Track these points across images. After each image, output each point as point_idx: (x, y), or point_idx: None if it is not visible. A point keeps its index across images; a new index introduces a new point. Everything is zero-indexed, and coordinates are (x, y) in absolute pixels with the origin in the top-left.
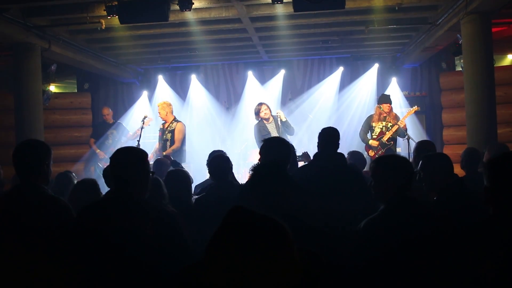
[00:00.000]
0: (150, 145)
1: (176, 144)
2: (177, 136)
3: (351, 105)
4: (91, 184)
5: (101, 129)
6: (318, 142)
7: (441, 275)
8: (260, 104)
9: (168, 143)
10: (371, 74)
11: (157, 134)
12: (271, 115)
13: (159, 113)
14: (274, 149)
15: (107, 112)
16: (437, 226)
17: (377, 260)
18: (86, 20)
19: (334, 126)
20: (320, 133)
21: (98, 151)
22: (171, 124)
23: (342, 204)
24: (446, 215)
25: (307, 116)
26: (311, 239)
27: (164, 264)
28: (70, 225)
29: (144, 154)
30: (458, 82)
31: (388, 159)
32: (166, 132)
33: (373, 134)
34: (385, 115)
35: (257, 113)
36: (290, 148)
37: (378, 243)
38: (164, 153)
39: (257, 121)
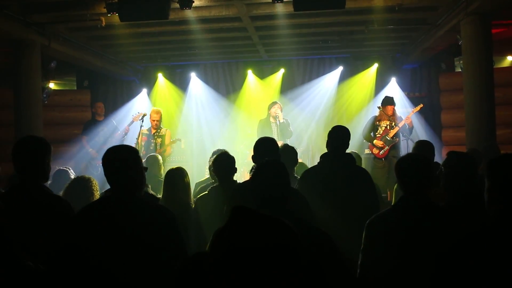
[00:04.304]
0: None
1: (168, 151)
2: (167, 141)
3: (349, 103)
4: (88, 181)
5: (92, 126)
6: (327, 141)
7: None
8: (275, 102)
9: (158, 147)
10: (370, 74)
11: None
12: (281, 117)
13: (157, 120)
14: (261, 148)
15: (101, 108)
16: (448, 227)
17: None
18: (86, 18)
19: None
20: (330, 132)
21: (90, 150)
22: (159, 130)
23: (348, 205)
24: (461, 217)
25: (305, 112)
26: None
27: (162, 262)
28: (71, 225)
29: (136, 151)
30: (457, 83)
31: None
32: (156, 137)
33: (376, 133)
34: (387, 117)
35: (269, 108)
36: (276, 146)
37: (384, 240)
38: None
39: (266, 117)
